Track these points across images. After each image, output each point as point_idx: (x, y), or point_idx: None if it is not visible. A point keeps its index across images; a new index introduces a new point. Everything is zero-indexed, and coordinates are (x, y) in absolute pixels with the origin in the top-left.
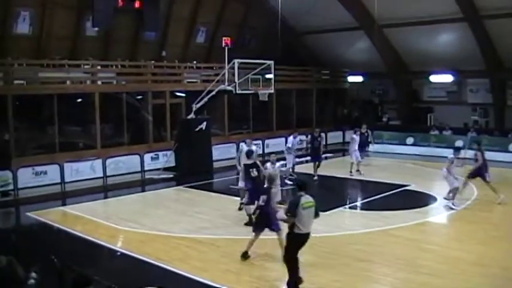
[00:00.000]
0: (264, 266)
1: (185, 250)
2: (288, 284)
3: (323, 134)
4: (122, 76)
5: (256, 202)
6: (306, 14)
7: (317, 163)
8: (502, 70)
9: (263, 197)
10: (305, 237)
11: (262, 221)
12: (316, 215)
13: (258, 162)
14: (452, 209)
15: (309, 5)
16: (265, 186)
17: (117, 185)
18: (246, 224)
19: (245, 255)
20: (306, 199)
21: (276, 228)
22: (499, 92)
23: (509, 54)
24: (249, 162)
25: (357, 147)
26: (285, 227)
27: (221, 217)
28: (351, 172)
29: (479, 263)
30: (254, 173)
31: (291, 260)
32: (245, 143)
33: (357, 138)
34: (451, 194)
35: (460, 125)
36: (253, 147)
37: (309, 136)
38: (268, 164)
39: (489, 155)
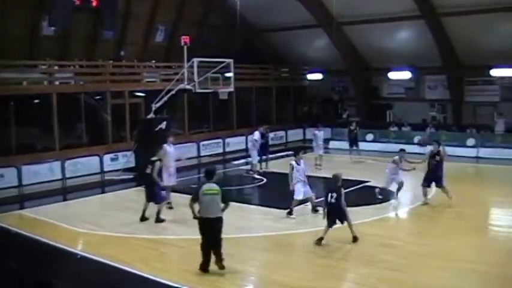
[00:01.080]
0: (228, 265)
1: (145, 251)
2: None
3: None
4: (80, 76)
5: None
6: (265, 12)
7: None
8: (458, 67)
9: None
10: (206, 221)
11: None
12: (224, 203)
13: None
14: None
15: (268, 2)
16: None
17: (77, 187)
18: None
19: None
20: (208, 186)
21: None
22: (456, 88)
23: (465, 51)
24: None
25: (320, 142)
26: None
27: (182, 217)
28: (316, 165)
29: (439, 257)
30: None
31: (201, 243)
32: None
33: (319, 134)
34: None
35: (419, 121)
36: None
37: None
38: None
39: (448, 150)
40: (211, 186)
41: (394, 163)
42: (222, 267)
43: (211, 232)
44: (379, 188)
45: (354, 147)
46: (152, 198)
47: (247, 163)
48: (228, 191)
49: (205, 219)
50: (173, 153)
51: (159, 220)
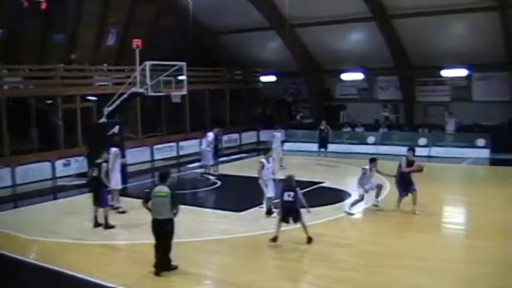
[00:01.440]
0: (183, 269)
1: (99, 257)
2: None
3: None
4: (30, 80)
5: None
6: (218, 14)
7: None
8: (410, 67)
9: None
10: (155, 222)
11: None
12: (174, 205)
13: None
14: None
15: (221, 5)
16: None
17: (28, 194)
18: None
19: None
20: (159, 189)
21: None
22: (408, 88)
23: (416, 52)
24: None
25: (279, 144)
26: None
27: (136, 222)
28: (281, 166)
29: (393, 255)
30: None
31: (154, 244)
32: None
33: (278, 135)
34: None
35: (372, 121)
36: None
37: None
38: None
39: (400, 150)
40: (162, 189)
41: (362, 172)
42: (158, 272)
43: (161, 233)
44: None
45: (323, 149)
46: (98, 202)
47: (201, 166)
48: (181, 194)
49: (155, 220)
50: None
51: (108, 226)
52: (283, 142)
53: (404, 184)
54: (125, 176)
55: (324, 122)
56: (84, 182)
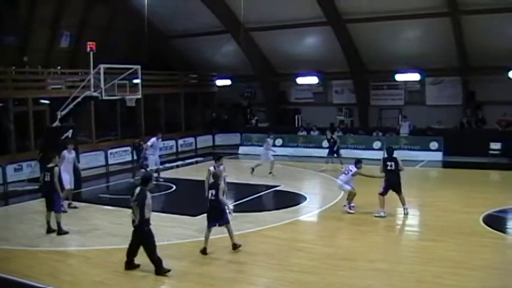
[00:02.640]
0: (138, 275)
1: (53, 264)
2: None
3: None
4: None
5: None
6: (173, 18)
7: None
8: (364, 71)
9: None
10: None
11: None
12: (140, 206)
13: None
14: (349, 212)
15: (175, 8)
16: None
17: None
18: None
19: (204, 252)
20: (136, 191)
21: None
22: (362, 92)
23: (370, 56)
24: None
25: (271, 149)
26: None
27: (90, 228)
28: (270, 173)
29: (348, 257)
30: None
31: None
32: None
33: (270, 141)
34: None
35: (327, 125)
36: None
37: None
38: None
39: (355, 153)
40: (136, 191)
41: (351, 173)
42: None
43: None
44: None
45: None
46: (51, 207)
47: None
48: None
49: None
50: (72, 159)
51: (61, 232)
52: (238, 146)
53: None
54: (79, 180)
55: (329, 133)
56: (37, 187)
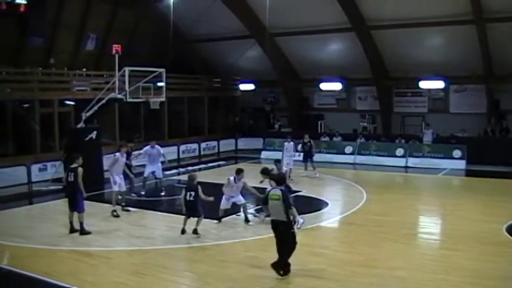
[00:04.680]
0: (158, 276)
1: (74, 264)
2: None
3: None
4: (7, 84)
5: None
6: (197, 22)
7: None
8: (387, 78)
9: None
10: (273, 223)
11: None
12: (286, 207)
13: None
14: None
15: (200, 13)
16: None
17: (2, 198)
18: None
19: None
20: (274, 192)
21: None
22: (386, 99)
23: (394, 63)
24: None
25: (290, 154)
26: None
27: (112, 229)
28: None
29: (367, 264)
30: None
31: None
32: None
33: (288, 145)
34: None
35: (350, 131)
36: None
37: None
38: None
39: (377, 160)
40: (276, 192)
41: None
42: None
43: (277, 233)
44: None
45: (311, 160)
46: (74, 207)
47: (179, 173)
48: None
49: (272, 221)
50: (123, 162)
51: (83, 232)
52: (260, 151)
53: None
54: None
55: (307, 136)
56: (60, 187)
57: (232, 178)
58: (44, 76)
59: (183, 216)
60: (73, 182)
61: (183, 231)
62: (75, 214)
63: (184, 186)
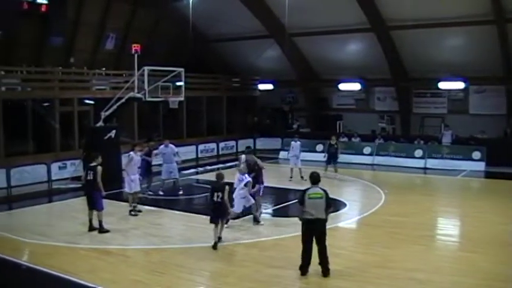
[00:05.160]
0: (176, 275)
1: (93, 262)
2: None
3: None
4: (28, 82)
5: None
6: (216, 22)
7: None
8: (407, 79)
9: None
10: (310, 222)
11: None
12: (328, 205)
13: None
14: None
15: (219, 13)
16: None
17: (22, 196)
18: None
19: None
20: (313, 190)
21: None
22: (405, 99)
23: (413, 63)
24: None
25: (297, 153)
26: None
27: (130, 227)
28: (291, 177)
29: (385, 266)
30: None
31: (302, 244)
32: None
33: (295, 144)
34: None
35: (368, 132)
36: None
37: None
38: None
39: (396, 161)
40: (317, 191)
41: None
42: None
43: (312, 233)
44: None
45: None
46: (93, 205)
47: (197, 173)
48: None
49: (311, 220)
50: (138, 161)
51: (102, 230)
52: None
53: None
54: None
55: (334, 138)
56: (80, 185)
57: (239, 173)
58: (64, 75)
59: (211, 224)
60: (92, 181)
61: (217, 243)
62: (94, 212)
63: (211, 186)
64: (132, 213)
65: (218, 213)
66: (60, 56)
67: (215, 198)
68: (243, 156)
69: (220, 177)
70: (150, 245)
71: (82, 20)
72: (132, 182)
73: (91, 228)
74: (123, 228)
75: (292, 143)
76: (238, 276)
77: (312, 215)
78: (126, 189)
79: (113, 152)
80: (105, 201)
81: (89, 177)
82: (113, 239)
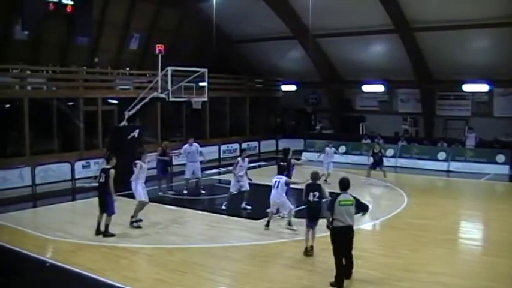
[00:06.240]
0: (198, 274)
1: (116, 260)
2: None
3: None
4: (53, 82)
5: None
6: (240, 23)
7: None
8: (431, 81)
9: None
10: (342, 230)
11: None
12: (359, 211)
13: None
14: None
15: (243, 13)
16: None
17: (47, 194)
18: None
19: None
20: (344, 197)
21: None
22: (428, 102)
23: (437, 65)
24: None
25: (331, 159)
26: None
27: (152, 226)
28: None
29: (408, 269)
30: None
31: (334, 254)
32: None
33: (329, 150)
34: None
35: (391, 133)
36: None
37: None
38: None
39: (419, 164)
40: (347, 197)
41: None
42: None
43: (343, 241)
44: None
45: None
46: (104, 208)
47: (219, 173)
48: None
49: (341, 228)
50: (146, 169)
51: (107, 235)
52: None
53: None
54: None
55: (377, 147)
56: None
57: (239, 159)
58: (89, 75)
59: (304, 228)
60: (103, 184)
61: (309, 250)
62: (104, 216)
63: (308, 185)
64: (135, 224)
65: (314, 213)
66: (85, 55)
67: (311, 198)
68: (240, 159)
69: (315, 176)
70: (172, 244)
71: (107, 20)
72: (142, 190)
73: (98, 232)
74: (145, 227)
75: (327, 149)
76: (260, 276)
77: (343, 222)
78: (137, 197)
79: (136, 151)
80: (127, 200)
81: (101, 180)
82: (135, 237)
